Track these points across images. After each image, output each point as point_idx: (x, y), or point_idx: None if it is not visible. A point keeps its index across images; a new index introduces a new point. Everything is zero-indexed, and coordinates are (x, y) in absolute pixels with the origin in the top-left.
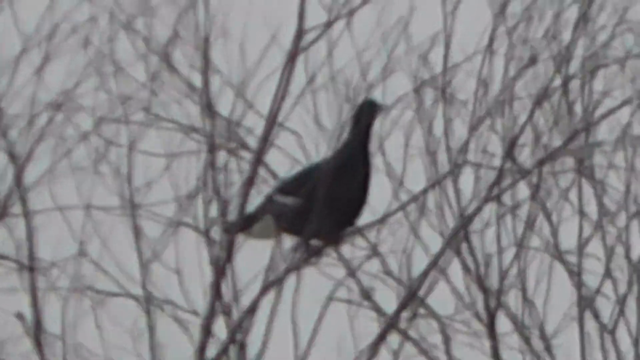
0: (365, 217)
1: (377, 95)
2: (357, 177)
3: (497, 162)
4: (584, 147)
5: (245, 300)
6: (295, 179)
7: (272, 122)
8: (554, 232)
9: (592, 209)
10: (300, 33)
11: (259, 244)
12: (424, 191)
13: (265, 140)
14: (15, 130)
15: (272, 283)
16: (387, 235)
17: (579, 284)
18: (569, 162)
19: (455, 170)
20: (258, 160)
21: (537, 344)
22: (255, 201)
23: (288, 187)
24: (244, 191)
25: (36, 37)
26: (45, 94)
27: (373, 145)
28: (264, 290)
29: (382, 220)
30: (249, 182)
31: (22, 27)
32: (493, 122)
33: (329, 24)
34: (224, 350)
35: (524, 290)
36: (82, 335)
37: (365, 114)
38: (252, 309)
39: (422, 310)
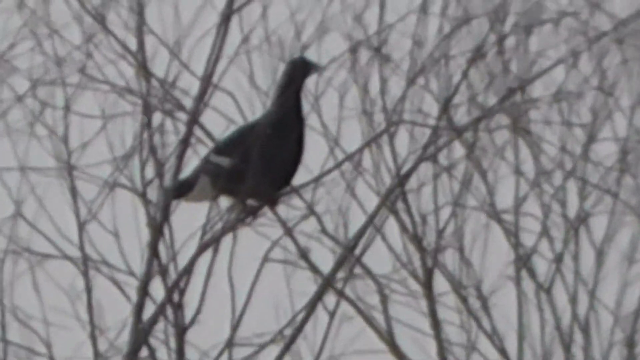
0: (301, 177)
1: (311, 55)
2: (291, 136)
3: (432, 121)
4: (519, 105)
5: (182, 261)
6: (230, 139)
7: (207, 82)
8: (490, 191)
9: (528, 167)
10: None
11: (196, 205)
12: (360, 150)
13: (200, 101)
14: None
15: (208, 243)
16: (323, 195)
17: (515, 243)
18: (505, 120)
19: (390, 129)
20: (193, 120)
21: (474, 303)
22: (191, 163)
23: (223, 147)
24: (179, 152)
25: None
26: None
27: (307, 105)
28: (200, 250)
29: (318, 179)
30: (185, 143)
31: None
32: (428, 81)
33: None
34: (161, 311)
35: (460, 249)
36: (19, 297)
37: (298, 73)
38: (189, 270)
39: (358, 270)
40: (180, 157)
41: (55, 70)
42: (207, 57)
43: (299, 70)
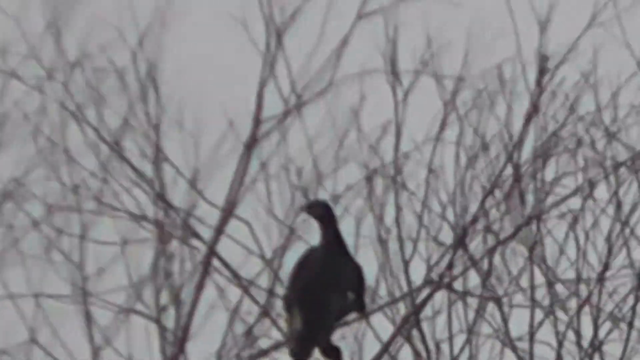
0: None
1: (327, 185)
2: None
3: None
4: (535, 234)
5: None
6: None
7: (228, 212)
8: (505, 319)
9: (543, 295)
10: (257, 123)
11: (208, 332)
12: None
13: (220, 231)
14: None
15: None
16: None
17: None
18: (520, 249)
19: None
20: (212, 251)
21: None
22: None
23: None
24: (198, 281)
25: None
26: None
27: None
28: None
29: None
30: (203, 272)
31: None
32: (444, 210)
33: (285, 114)
34: None
35: None
36: None
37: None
38: None
39: None
40: (199, 286)
41: (71, 197)
42: (229, 187)
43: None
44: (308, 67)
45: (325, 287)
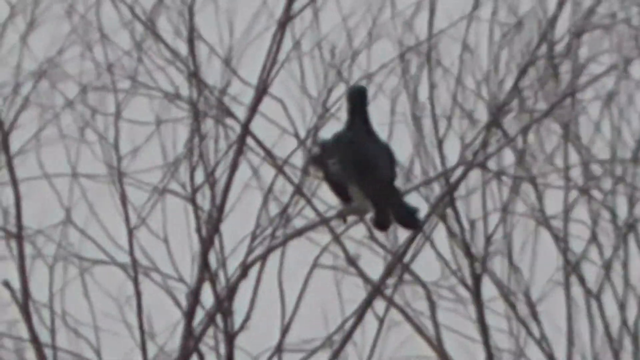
0: None
1: (361, 62)
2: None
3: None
4: (569, 111)
5: (232, 265)
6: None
7: (262, 91)
8: (539, 197)
9: (577, 173)
10: (291, 0)
11: (246, 212)
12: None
13: (255, 109)
14: (1, 97)
15: (257, 259)
16: None
17: (564, 249)
18: (555, 126)
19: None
20: (246, 129)
21: (523, 310)
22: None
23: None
24: (232, 160)
25: (21, 5)
26: (31, 62)
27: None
28: (247, 267)
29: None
30: (238, 151)
31: None
32: (478, 88)
33: None
34: (211, 317)
35: (509, 255)
36: (69, 303)
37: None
38: (239, 278)
39: (407, 277)
40: (233, 165)
41: (105, 76)
42: (263, 65)
43: (351, 98)
44: None
45: (374, 157)
